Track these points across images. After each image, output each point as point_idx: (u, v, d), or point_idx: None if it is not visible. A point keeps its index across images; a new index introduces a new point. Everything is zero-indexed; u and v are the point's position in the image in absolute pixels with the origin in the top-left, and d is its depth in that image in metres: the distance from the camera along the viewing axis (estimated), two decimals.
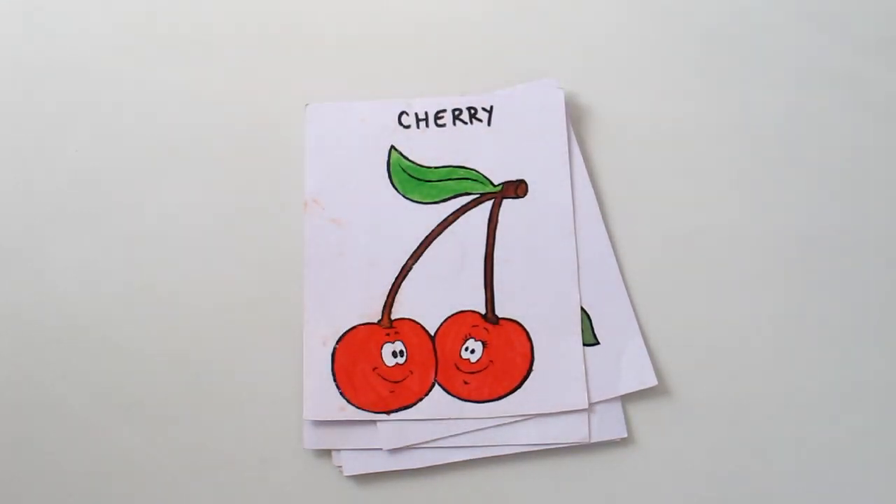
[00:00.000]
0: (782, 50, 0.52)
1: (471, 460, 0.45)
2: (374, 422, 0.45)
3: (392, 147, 0.49)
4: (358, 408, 0.45)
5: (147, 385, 0.46)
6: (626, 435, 0.46)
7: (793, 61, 0.52)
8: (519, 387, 0.46)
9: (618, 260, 0.48)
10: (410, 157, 0.49)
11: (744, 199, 0.50)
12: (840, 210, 0.50)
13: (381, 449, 0.45)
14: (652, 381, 0.46)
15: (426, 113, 0.50)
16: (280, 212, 0.49)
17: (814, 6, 0.53)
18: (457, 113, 0.50)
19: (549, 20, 0.53)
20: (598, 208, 0.48)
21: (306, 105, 0.50)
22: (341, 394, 0.46)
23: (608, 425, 0.46)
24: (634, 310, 0.47)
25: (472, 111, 0.50)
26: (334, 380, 0.46)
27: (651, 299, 0.48)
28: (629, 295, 0.47)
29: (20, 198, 0.49)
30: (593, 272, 0.47)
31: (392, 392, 0.46)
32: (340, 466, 0.45)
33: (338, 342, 0.47)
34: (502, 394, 0.46)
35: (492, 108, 0.50)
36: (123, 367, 0.47)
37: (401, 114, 0.50)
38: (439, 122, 0.50)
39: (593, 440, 0.45)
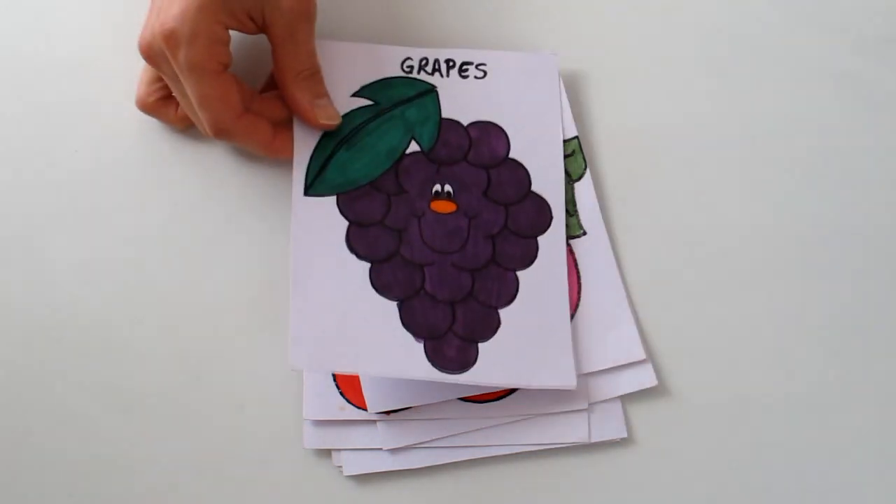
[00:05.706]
0: (782, 50, 0.52)
1: (471, 460, 0.45)
2: (374, 422, 0.45)
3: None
4: (358, 408, 0.45)
5: (147, 385, 0.46)
6: (626, 435, 0.46)
7: (793, 61, 0.52)
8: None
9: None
10: None
11: (743, 199, 0.50)
12: (840, 210, 0.50)
13: (381, 449, 0.45)
14: (652, 382, 0.46)
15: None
16: (280, 211, 0.49)
17: (814, 6, 0.53)
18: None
19: (548, 20, 0.53)
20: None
21: None
22: (341, 394, 0.46)
23: (608, 425, 0.46)
24: (634, 309, 0.47)
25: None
26: (334, 380, 0.46)
27: (651, 299, 0.48)
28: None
29: (20, 197, 0.49)
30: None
31: None
32: (340, 466, 0.45)
33: None
34: (502, 394, 0.46)
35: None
36: (123, 366, 0.47)
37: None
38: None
39: (593, 440, 0.45)
